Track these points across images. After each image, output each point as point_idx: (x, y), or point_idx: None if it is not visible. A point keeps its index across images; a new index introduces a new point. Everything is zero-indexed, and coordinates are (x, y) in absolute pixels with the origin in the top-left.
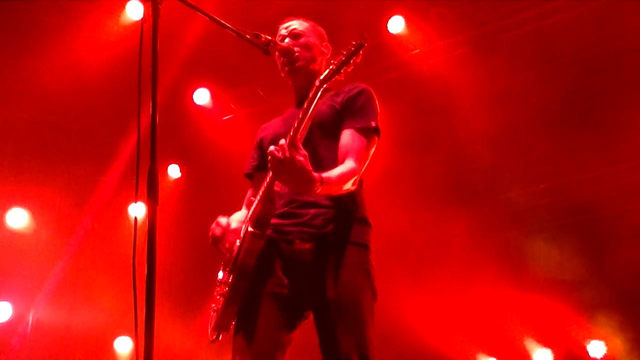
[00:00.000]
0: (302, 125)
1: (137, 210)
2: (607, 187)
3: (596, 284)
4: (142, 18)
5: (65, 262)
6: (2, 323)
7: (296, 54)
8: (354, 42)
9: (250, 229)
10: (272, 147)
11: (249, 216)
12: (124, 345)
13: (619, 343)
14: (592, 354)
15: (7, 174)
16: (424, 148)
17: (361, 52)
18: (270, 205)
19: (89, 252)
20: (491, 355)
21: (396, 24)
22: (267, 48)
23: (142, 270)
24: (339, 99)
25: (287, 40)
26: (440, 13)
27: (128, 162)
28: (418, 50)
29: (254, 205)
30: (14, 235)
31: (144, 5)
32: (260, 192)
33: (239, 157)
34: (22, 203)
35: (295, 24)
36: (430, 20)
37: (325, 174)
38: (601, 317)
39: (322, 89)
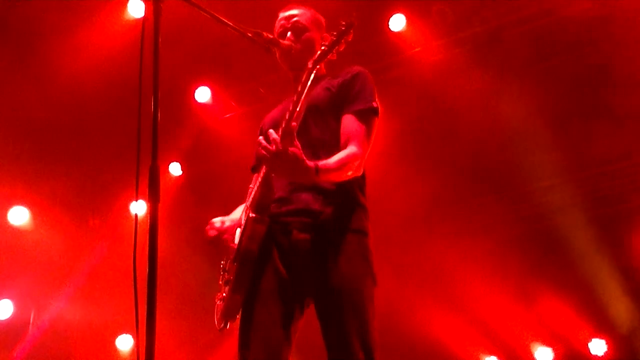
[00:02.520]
0: (297, 110)
1: (138, 208)
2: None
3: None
4: (143, 16)
5: (66, 260)
6: (3, 321)
7: (294, 54)
8: (343, 22)
9: (251, 214)
10: (262, 140)
11: (248, 203)
12: (125, 343)
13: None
14: (593, 352)
15: (9, 172)
16: (424, 147)
17: (352, 31)
18: (269, 190)
19: (90, 250)
20: (493, 353)
21: (397, 22)
22: (268, 46)
23: (143, 268)
24: (335, 82)
25: (288, 34)
26: (442, 11)
27: (129, 160)
28: (419, 49)
29: (252, 192)
30: (15, 232)
31: (145, 3)
32: (259, 180)
33: (240, 155)
34: (23, 201)
35: (296, 13)
36: (431, 18)
37: (322, 162)
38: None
39: (314, 71)
